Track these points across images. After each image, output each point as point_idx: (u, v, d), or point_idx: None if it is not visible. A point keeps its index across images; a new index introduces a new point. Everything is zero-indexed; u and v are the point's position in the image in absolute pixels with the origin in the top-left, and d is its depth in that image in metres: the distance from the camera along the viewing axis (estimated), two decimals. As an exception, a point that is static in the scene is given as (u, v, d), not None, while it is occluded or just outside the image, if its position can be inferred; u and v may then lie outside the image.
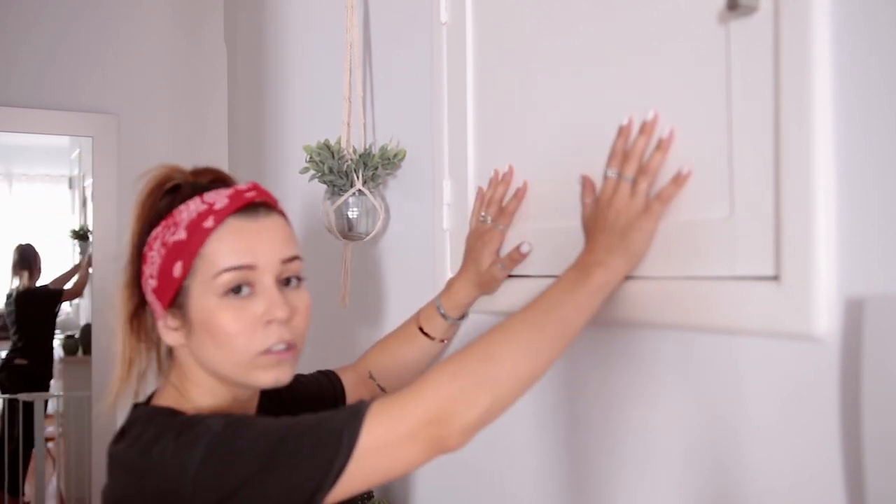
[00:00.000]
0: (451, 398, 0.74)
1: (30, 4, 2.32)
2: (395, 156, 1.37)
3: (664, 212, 0.84)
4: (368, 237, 1.42)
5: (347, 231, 1.40)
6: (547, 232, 1.03)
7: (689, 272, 0.82)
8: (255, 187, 0.87)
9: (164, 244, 0.83)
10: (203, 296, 0.82)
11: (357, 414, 0.74)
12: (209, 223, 0.82)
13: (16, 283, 4.07)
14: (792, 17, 0.71)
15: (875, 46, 0.66)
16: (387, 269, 1.47)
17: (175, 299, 0.83)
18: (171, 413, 0.83)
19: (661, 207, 0.84)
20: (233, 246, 0.82)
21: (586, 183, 0.92)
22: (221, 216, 0.82)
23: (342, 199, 1.38)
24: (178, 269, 0.82)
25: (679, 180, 0.83)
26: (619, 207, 0.84)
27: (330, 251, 1.61)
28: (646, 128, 0.85)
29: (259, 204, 0.86)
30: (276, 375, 0.84)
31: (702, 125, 0.81)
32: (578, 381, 0.99)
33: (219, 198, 0.84)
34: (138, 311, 0.89)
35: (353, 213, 1.39)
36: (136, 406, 0.88)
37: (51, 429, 4.25)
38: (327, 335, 1.69)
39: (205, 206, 0.83)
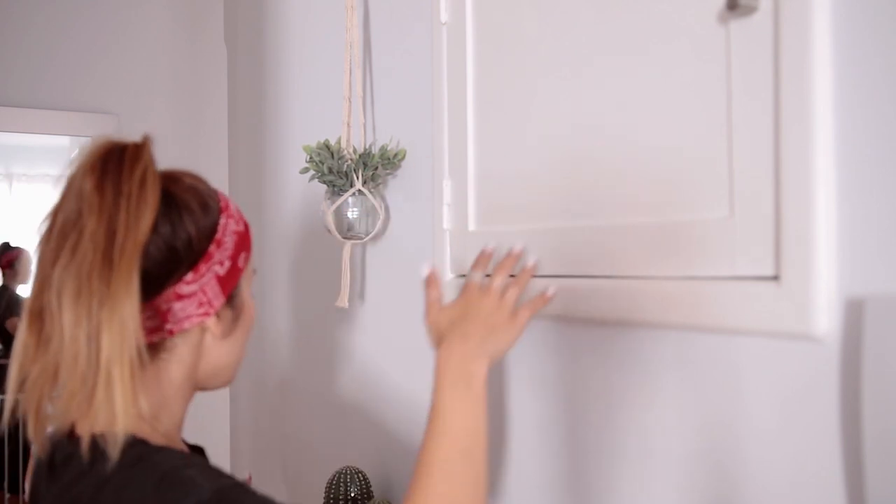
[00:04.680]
0: None
1: (30, 5, 2.32)
2: (395, 156, 1.37)
3: (530, 320, 0.87)
4: (368, 237, 1.42)
5: (347, 231, 1.40)
6: (547, 232, 1.03)
7: (689, 272, 0.82)
8: None
9: (234, 232, 0.81)
10: (247, 289, 0.85)
11: None
12: (244, 219, 0.85)
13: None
14: (792, 17, 0.71)
15: (875, 46, 0.66)
16: (387, 269, 1.47)
17: (233, 290, 0.82)
18: (134, 443, 0.70)
19: (528, 317, 0.87)
20: None
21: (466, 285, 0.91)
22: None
23: (342, 199, 1.38)
24: (242, 259, 0.82)
25: (545, 298, 0.89)
26: (488, 311, 0.85)
27: (330, 251, 1.61)
28: (514, 254, 0.91)
29: None
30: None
31: (702, 125, 0.81)
32: (578, 380, 0.99)
33: (225, 195, 0.86)
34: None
35: (353, 213, 1.39)
36: (72, 436, 0.74)
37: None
38: (327, 335, 1.69)
39: (232, 204, 0.84)
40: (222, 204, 0.82)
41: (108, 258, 0.67)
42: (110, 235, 0.68)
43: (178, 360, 0.78)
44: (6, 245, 4.12)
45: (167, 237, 0.74)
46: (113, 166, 0.71)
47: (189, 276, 0.75)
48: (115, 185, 0.70)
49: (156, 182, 0.72)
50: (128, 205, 0.69)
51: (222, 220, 0.80)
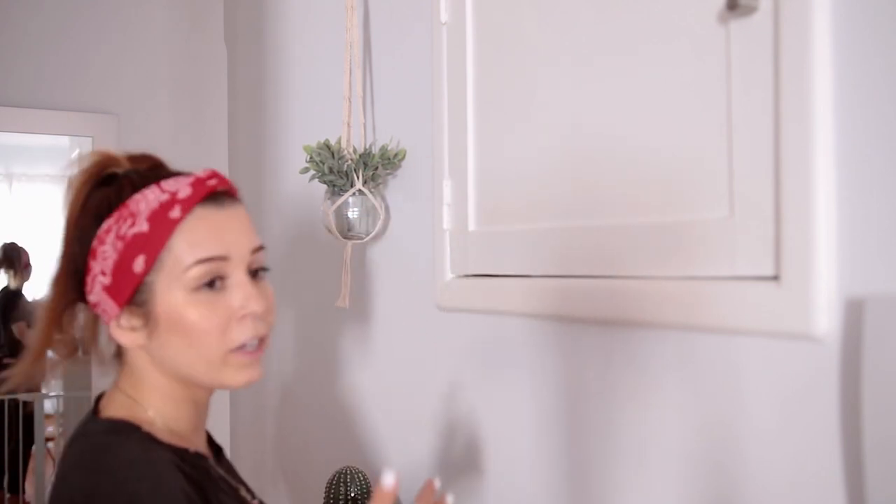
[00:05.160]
0: None
1: (30, 4, 2.32)
2: (395, 156, 1.37)
3: None
4: (368, 237, 1.42)
5: (347, 231, 1.40)
6: (547, 232, 1.03)
7: (689, 272, 0.82)
8: (215, 174, 0.81)
9: (119, 237, 0.76)
10: (170, 291, 0.77)
11: None
12: (175, 213, 0.76)
13: (4, 282, 4.07)
14: (792, 17, 0.71)
15: (875, 46, 0.66)
16: (387, 269, 1.47)
17: (134, 296, 0.77)
18: (123, 430, 0.78)
19: None
20: (203, 236, 0.78)
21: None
22: (188, 205, 0.77)
23: (342, 199, 1.38)
24: (139, 263, 0.76)
25: None
26: None
27: (330, 251, 1.61)
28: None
29: (222, 192, 0.82)
30: (248, 375, 0.81)
31: (702, 125, 0.81)
32: (578, 380, 0.99)
33: (180, 186, 0.78)
34: (69, 308, 0.82)
35: (353, 213, 1.39)
36: (88, 418, 0.82)
37: (51, 429, 4.25)
38: (327, 336, 1.69)
39: (166, 196, 0.77)
40: (121, 206, 0.78)
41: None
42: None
43: (136, 360, 0.83)
44: (18, 245, 4.12)
45: (70, 251, 0.81)
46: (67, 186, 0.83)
47: (87, 288, 0.80)
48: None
49: (74, 203, 0.80)
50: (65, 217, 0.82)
51: (101, 230, 0.78)
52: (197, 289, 0.78)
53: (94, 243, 0.78)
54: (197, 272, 0.77)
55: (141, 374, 0.82)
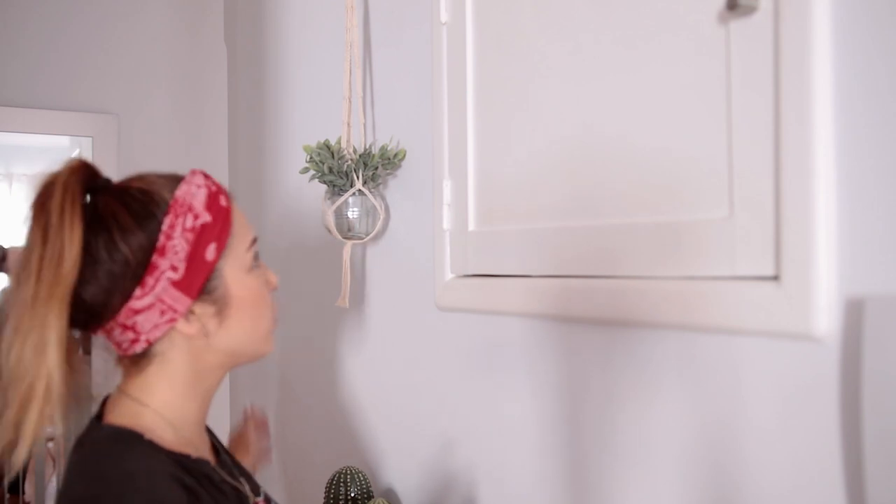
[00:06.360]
0: None
1: (29, 4, 2.32)
2: (395, 156, 1.37)
3: None
4: (368, 237, 1.42)
5: (347, 231, 1.40)
6: (547, 232, 1.03)
7: (689, 272, 0.82)
8: (201, 172, 0.86)
9: (188, 230, 0.79)
10: (238, 272, 0.84)
11: None
12: (224, 202, 0.84)
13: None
14: (792, 17, 0.71)
15: (875, 46, 0.66)
16: (387, 269, 1.47)
17: (205, 285, 0.81)
18: (127, 438, 0.78)
19: None
20: (245, 221, 0.87)
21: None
22: (226, 194, 0.85)
23: (342, 199, 1.38)
24: (211, 251, 0.80)
25: None
26: None
27: (330, 251, 1.61)
28: None
29: None
30: (273, 342, 0.92)
31: (702, 125, 0.81)
32: (578, 381, 0.99)
33: (199, 180, 0.83)
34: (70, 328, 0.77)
35: (353, 213, 1.39)
36: (92, 422, 0.84)
37: (51, 429, 4.24)
38: (327, 335, 1.69)
39: (205, 188, 0.82)
40: (174, 202, 0.79)
41: (37, 292, 0.72)
42: (38, 270, 0.72)
43: (173, 360, 0.82)
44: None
45: (104, 262, 0.76)
46: (42, 201, 0.75)
47: (138, 292, 0.77)
48: (42, 219, 0.74)
49: (74, 212, 0.74)
50: (52, 238, 0.73)
51: (165, 226, 0.77)
52: (251, 268, 0.86)
53: (162, 241, 0.77)
54: (253, 251, 0.87)
55: (174, 375, 0.82)
